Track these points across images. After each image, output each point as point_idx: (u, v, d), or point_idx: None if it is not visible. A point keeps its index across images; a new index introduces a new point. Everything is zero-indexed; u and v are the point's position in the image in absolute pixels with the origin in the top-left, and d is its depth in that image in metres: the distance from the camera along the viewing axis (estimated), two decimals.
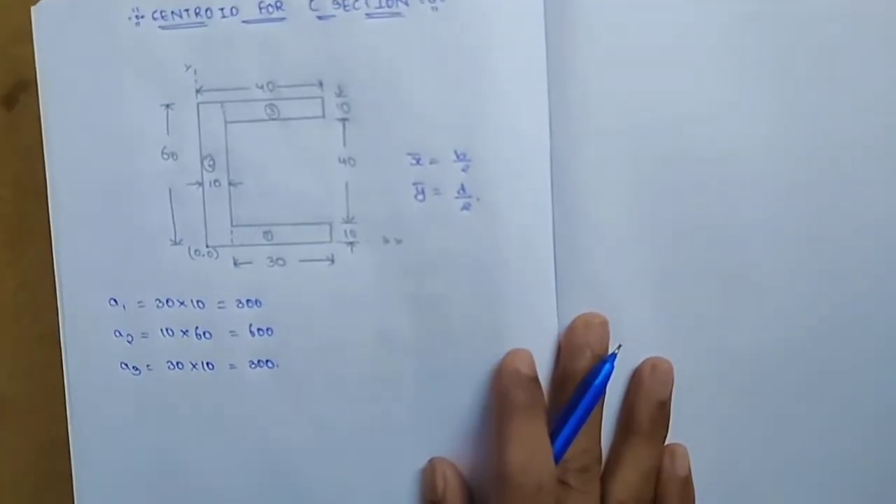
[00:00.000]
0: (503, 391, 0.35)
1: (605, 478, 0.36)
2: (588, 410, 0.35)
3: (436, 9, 0.36)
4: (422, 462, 0.38)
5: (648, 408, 0.36)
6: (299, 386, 0.38)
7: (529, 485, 0.34)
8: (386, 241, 0.37)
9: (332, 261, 0.37)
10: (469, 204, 0.36)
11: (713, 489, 0.37)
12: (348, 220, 0.37)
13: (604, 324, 0.36)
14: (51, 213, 0.38)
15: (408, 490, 0.38)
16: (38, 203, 0.38)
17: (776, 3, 0.35)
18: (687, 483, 0.36)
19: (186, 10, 0.37)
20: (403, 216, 0.37)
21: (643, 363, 0.36)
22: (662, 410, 0.36)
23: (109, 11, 0.37)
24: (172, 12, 0.37)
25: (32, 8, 0.37)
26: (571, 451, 0.35)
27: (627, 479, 0.36)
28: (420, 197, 0.37)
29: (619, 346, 0.36)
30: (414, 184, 0.37)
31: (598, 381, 0.35)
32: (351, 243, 0.37)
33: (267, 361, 0.38)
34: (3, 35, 0.38)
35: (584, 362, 0.36)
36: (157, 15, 0.37)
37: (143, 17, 0.37)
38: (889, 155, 0.36)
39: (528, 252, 0.36)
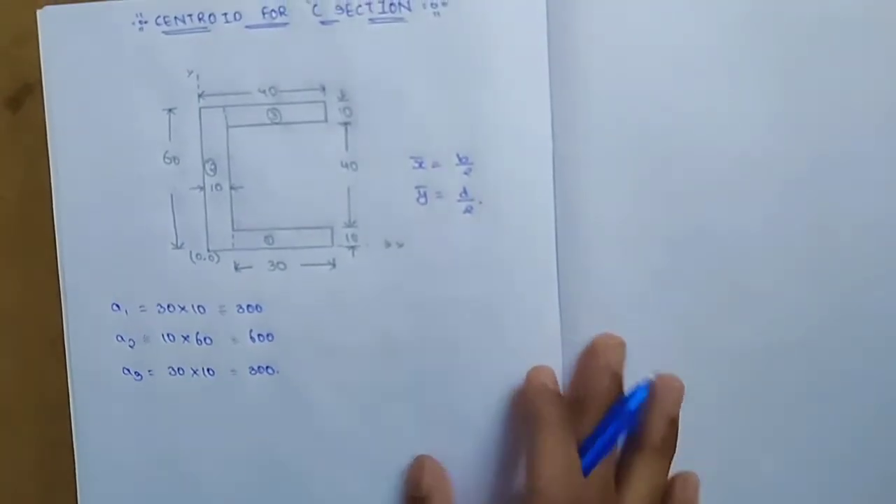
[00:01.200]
0: (532, 406, 0.36)
1: (617, 490, 0.36)
2: (619, 432, 0.35)
3: (438, 14, 0.36)
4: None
5: (661, 424, 0.36)
6: (299, 392, 0.38)
7: (561, 499, 0.34)
8: (388, 244, 0.37)
9: (333, 265, 0.37)
10: (471, 207, 0.36)
11: (714, 489, 0.37)
12: (350, 224, 0.37)
13: (622, 345, 0.37)
14: (55, 217, 0.38)
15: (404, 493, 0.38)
16: (42, 206, 0.38)
17: (778, 5, 0.36)
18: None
19: (190, 16, 0.37)
20: (405, 220, 0.37)
21: (657, 379, 0.36)
22: (673, 427, 0.36)
23: (113, 16, 0.37)
24: (176, 18, 0.37)
25: (38, 11, 0.37)
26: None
27: (640, 493, 0.36)
28: (422, 200, 0.37)
29: (656, 374, 0.36)
30: (416, 187, 0.37)
31: (632, 407, 0.35)
32: (352, 247, 0.37)
33: (267, 368, 0.38)
34: (8, 37, 0.38)
35: (605, 383, 0.36)
36: (161, 20, 0.37)
37: (146, 22, 0.37)
38: (889, 158, 0.36)
39: (531, 255, 0.36)
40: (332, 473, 0.38)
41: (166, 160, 0.38)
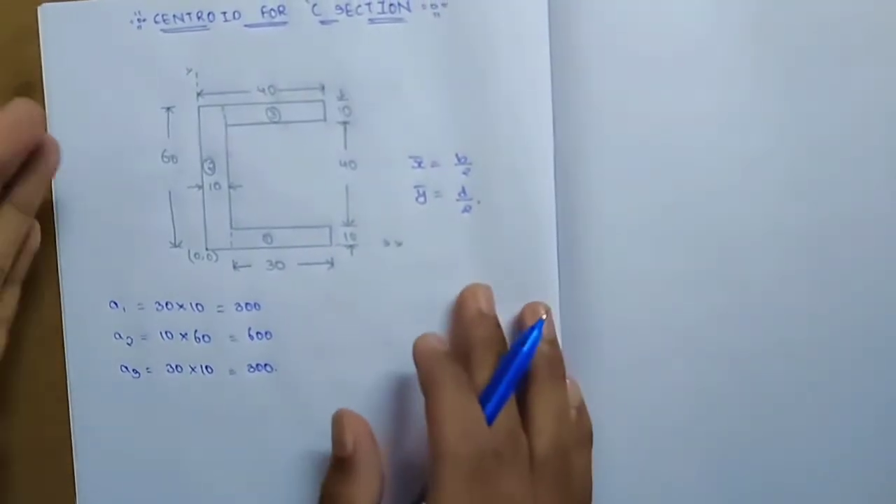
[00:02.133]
0: (424, 371, 0.34)
1: (525, 428, 0.35)
2: (519, 375, 0.35)
3: (438, 14, 0.36)
4: (423, 466, 0.37)
5: (543, 349, 0.35)
6: (297, 390, 0.38)
7: (469, 455, 0.33)
8: (386, 243, 0.37)
9: (332, 264, 0.38)
10: (470, 206, 0.37)
11: (714, 488, 0.38)
12: (348, 223, 0.37)
13: (488, 288, 0.37)
14: (54, 215, 0.38)
15: (407, 494, 0.38)
16: (41, 203, 0.38)
17: (781, 8, 0.36)
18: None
19: (188, 14, 0.37)
20: (404, 219, 0.37)
21: (523, 309, 0.37)
22: (555, 348, 0.36)
23: (112, 14, 0.37)
24: (174, 16, 0.37)
25: (39, 8, 0.37)
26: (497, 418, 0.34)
27: (546, 425, 0.35)
28: (421, 199, 0.37)
29: (547, 313, 0.36)
30: (415, 186, 0.37)
31: (526, 349, 0.35)
32: (351, 246, 0.37)
33: (265, 365, 0.38)
34: (8, 35, 0.37)
35: (483, 328, 0.36)
36: (160, 18, 0.37)
37: (145, 20, 0.37)
38: (889, 159, 0.36)
39: (530, 255, 0.37)
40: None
41: (165, 158, 0.38)
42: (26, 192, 0.34)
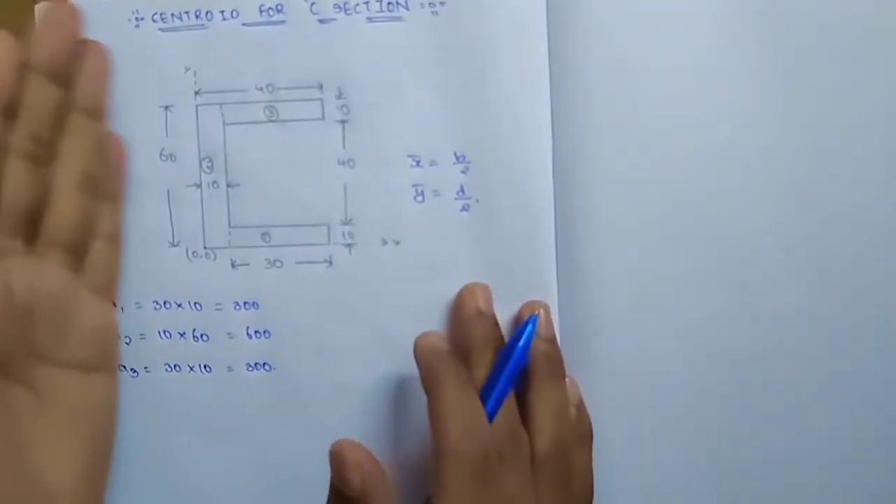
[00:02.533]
0: (426, 369, 0.35)
1: (525, 426, 0.35)
2: (517, 371, 0.35)
3: (436, 13, 0.36)
4: (423, 466, 0.37)
5: (541, 347, 0.36)
6: (296, 389, 0.38)
7: (473, 453, 0.33)
8: (384, 242, 0.37)
9: (330, 263, 0.37)
10: (468, 205, 0.37)
11: (714, 489, 0.38)
12: (346, 222, 0.37)
13: (487, 287, 0.37)
14: None
15: (409, 495, 0.38)
16: None
17: (781, 9, 0.36)
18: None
19: (186, 13, 0.37)
20: (402, 217, 0.37)
21: (521, 308, 0.37)
22: (553, 346, 0.36)
23: (110, 13, 0.37)
24: (172, 15, 0.37)
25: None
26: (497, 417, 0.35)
27: (546, 423, 0.35)
28: (419, 198, 0.37)
29: (544, 311, 0.36)
30: (413, 185, 0.37)
31: (521, 344, 0.35)
32: (349, 245, 0.37)
33: (264, 364, 0.38)
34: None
35: (482, 326, 0.36)
36: (157, 17, 0.37)
37: (142, 19, 0.37)
38: (889, 159, 0.36)
39: (529, 254, 0.37)
40: (328, 470, 0.38)
41: (163, 157, 0.38)
42: (90, 93, 0.35)
